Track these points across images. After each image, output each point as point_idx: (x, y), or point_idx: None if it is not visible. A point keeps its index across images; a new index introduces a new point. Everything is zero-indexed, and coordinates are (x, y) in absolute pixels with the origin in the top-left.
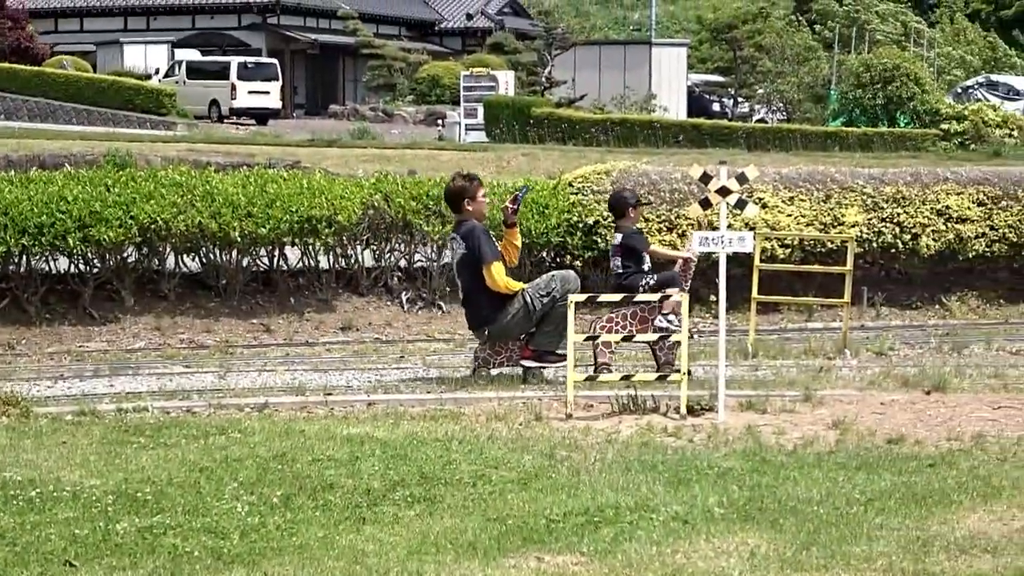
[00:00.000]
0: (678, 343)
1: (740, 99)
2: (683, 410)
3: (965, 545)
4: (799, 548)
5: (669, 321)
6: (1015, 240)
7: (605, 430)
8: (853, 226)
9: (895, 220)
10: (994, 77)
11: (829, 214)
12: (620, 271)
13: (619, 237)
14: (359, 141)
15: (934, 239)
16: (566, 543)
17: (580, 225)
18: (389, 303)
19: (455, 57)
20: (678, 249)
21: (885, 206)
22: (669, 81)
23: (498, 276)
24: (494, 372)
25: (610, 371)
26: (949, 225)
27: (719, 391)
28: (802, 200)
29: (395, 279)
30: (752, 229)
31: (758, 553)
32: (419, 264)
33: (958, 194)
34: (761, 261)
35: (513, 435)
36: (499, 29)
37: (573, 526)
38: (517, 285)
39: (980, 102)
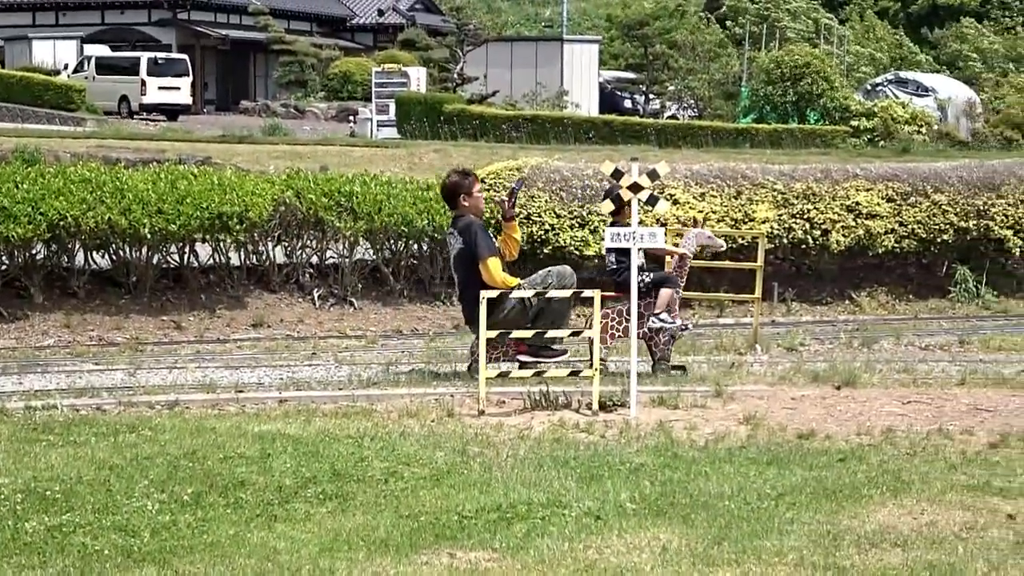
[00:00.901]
0: (673, 338)
1: (651, 96)
2: (595, 406)
3: (875, 539)
4: (711, 543)
5: (662, 320)
6: (924, 236)
7: (517, 426)
8: (764, 222)
9: (805, 216)
10: (903, 74)
11: (740, 210)
12: (615, 267)
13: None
14: (270, 137)
15: (844, 235)
16: (478, 539)
17: (492, 221)
18: (301, 300)
19: (367, 53)
20: (675, 246)
21: (795, 202)
22: (581, 78)
23: (495, 271)
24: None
25: (604, 366)
26: (859, 221)
27: (631, 387)
28: (713, 196)
29: (307, 276)
30: (663, 225)
31: (670, 548)
32: (331, 261)
33: (867, 190)
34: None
35: (425, 432)
36: (411, 25)
37: (485, 522)
38: (513, 280)
39: (889, 99)
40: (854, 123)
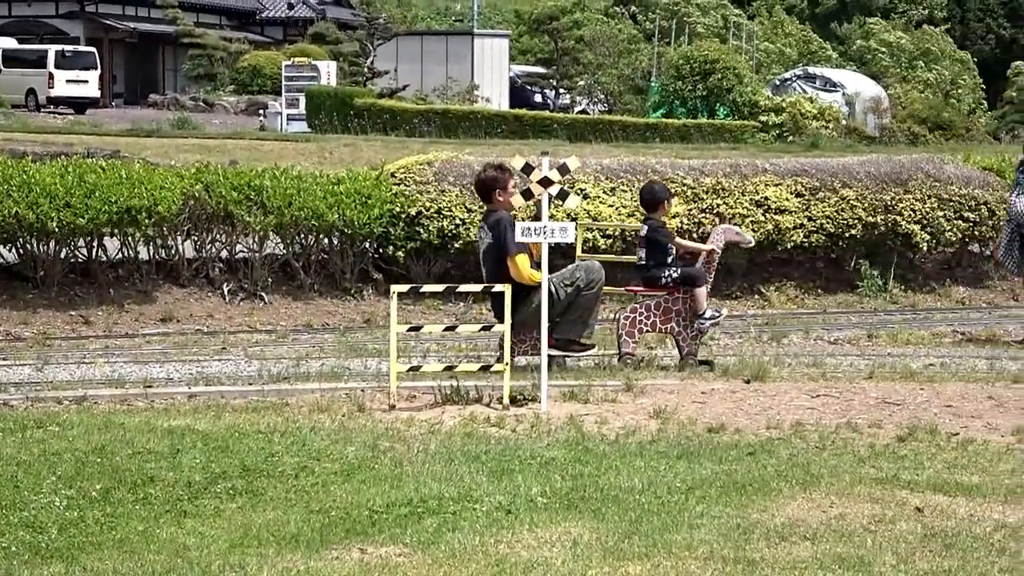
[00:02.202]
0: (701, 333)
1: (562, 90)
2: (506, 400)
3: (784, 532)
4: (621, 537)
5: (709, 318)
6: (832, 231)
7: (428, 421)
8: (674, 217)
9: (715, 211)
10: (811, 70)
11: None
12: (644, 262)
13: (645, 229)
14: (179, 131)
15: (753, 230)
16: (389, 534)
17: (403, 216)
18: (210, 294)
19: (277, 47)
20: (704, 242)
21: (705, 197)
22: (491, 72)
23: (523, 267)
24: (519, 360)
25: (633, 360)
26: (768, 216)
27: (542, 381)
28: (623, 191)
29: (216, 270)
30: (574, 219)
31: (581, 542)
32: (241, 255)
33: (776, 185)
34: (583, 251)
35: (336, 426)
36: (321, 19)
37: (396, 517)
38: (539, 276)
39: (798, 95)
40: (763, 118)
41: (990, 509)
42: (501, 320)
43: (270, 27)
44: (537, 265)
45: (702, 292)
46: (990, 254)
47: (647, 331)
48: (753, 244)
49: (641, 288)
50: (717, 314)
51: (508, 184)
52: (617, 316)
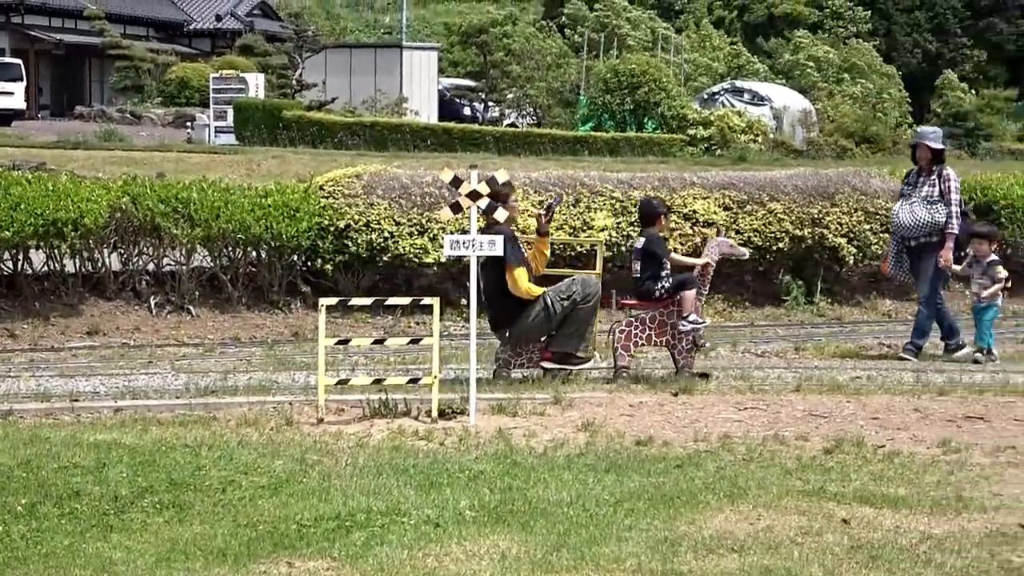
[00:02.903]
0: (695, 345)
1: (491, 103)
2: (434, 413)
3: (712, 545)
4: (549, 550)
5: (692, 322)
6: (760, 244)
7: (357, 434)
8: (602, 230)
9: (715, 225)
10: (739, 83)
11: (579, 218)
12: (639, 275)
13: (641, 241)
14: (106, 143)
15: (681, 243)
16: (317, 548)
17: (331, 228)
18: (137, 307)
19: (205, 59)
20: (697, 257)
21: (633, 210)
22: (420, 85)
23: (520, 281)
24: (515, 373)
25: (628, 373)
26: (696, 229)
27: (470, 394)
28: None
29: (143, 283)
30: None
31: (509, 555)
32: (168, 268)
33: (704, 199)
34: None
35: (264, 440)
36: (249, 31)
37: (324, 531)
38: (538, 290)
39: (726, 108)
40: (691, 132)
41: (916, 520)
42: (496, 331)
43: (198, 39)
44: (536, 279)
45: (690, 295)
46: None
47: (642, 344)
48: (747, 256)
49: (635, 302)
50: (700, 321)
51: (508, 198)
52: (612, 329)
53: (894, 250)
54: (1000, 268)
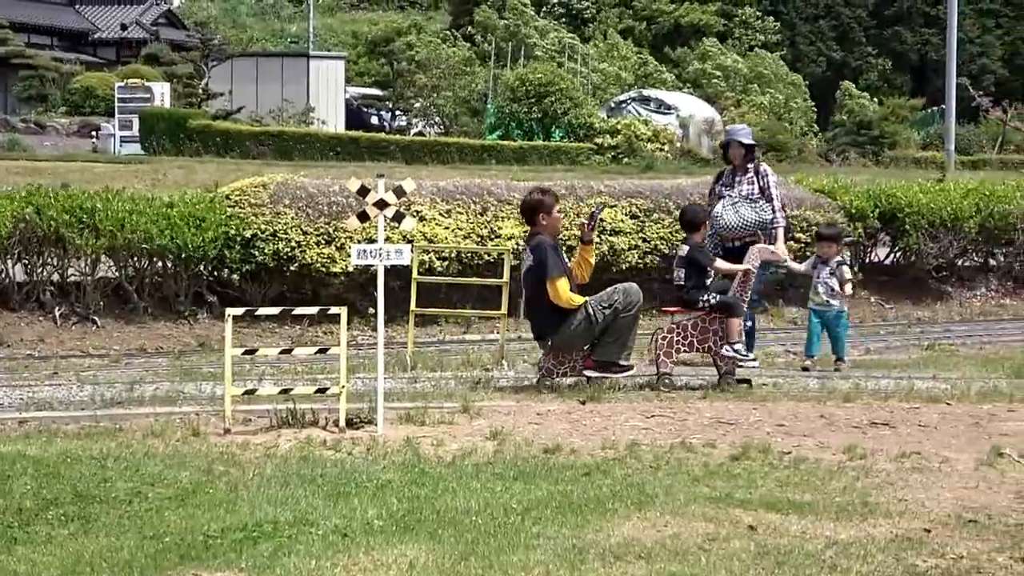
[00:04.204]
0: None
1: (398, 112)
2: (342, 423)
3: (620, 552)
4: (458, 559)
5: (736, 351)
6: (667, 252)
7: (264, 444)
8: (510, 239)
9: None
10: (646, 92)
11: (486, 227)
12: (682, 283)
13: (685, 250)
14: (10, 153)
15: None
16: (224, 559)
17: (238, 238)
18: (42, 318)
19: (110, 68)
20: (739, 263)
21: None
22: (327, 94)
23: (561, 291)
24: (559, 381)
25: (670, 380)
26: (603, 237)
27: (378, 404)
28: (460, 213)
29: (48, 294)
30: (410, 242)
31: (417, 565)
32: (73, 278)
33: (612, 207)
34: (419, 274)
35: (170, 451)
36: (155, 40)
37: (231, 542)
38: (579, 299)
39: (632, 117)
40: (598, 140)
41: (822, 526)
42: (540, 341)
43: (103, 48)
44: (578, 288)
45: (736, 323)
46: None
47: (684, 351)
48: (787, 262)
49: (677, 308)
50: (745, 355)
51: (553, 208)
52: (654, 336)
53: (713, 252)
54: (847, 269)
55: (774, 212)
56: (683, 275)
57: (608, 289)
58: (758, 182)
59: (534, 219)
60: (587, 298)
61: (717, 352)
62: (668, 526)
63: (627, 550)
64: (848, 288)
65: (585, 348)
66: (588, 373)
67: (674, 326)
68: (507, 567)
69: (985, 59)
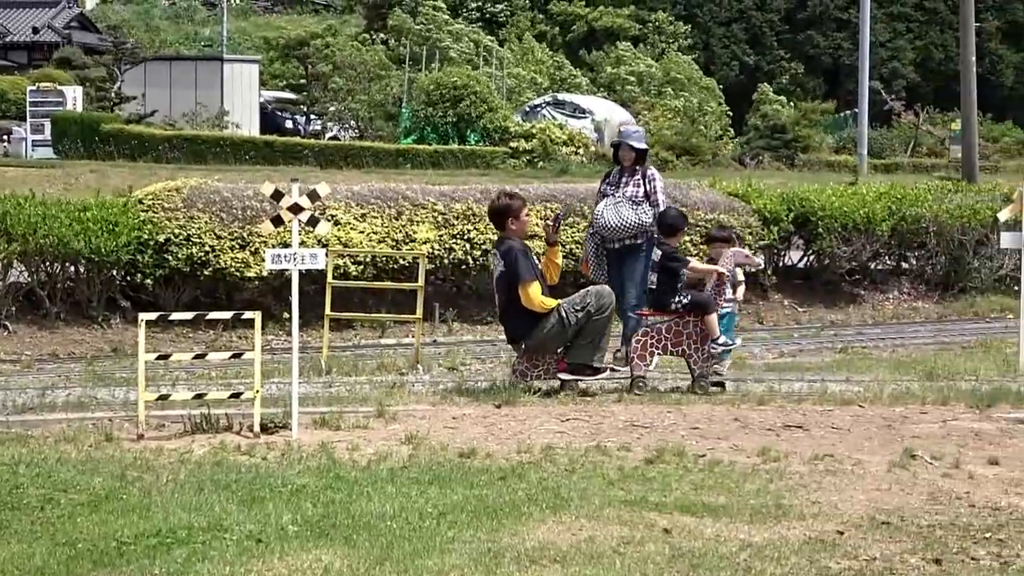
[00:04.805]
0: (712, 356)
1: (313, 116)
2: (256, 428)
3: (535, 556)
4: (373, 563)
5: (722, 344)
6: (580, 255)
7: (178, 450)
8: (425, 243)
9: (466, 237)
10: (561, 96)
11: (401, 231)
12: (655, 286)
13: (658, 255)
14: None
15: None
16: (138, 566)
17: (151, 243)
18: None
19: (21, 71)
20: (712, 263)
21: (456, 223)
22: (241, 98)
23: (533, 295)
24: (533, 384)
25: (644, 383)
26: None
27: (293, 408)
28: (374, 217)
29: None
30: (325, 246)
31: (332, 570)
32: None
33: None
34: (334, 278)
35: (83, 457)
36: (67, 43)
37: (145, 548)
38: (552, 303)
39: (547, 121)
40: (513, 144)
41: (736, 529)
42: (513, 344)
43: (14, 52)
44: (549, 292)
45: (713, 319)
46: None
47: (659, 354)
48: (763, 266)
49: (650, 312)
50: (731, 344)
51: (521, 212)
52: (629, 338)
53: (593, 251)
54: (739, 271)
55: (655, 217)
56: (655, 279)
57: (580, 292)
58: (644, 185)
59: (503, 223)
60: (559, 301)
61: (691, 355)
62: (583, 529)
63: (542, 554)
64: (741, 290)
65: (559, 351)
66: (562, 376)
67: (648, 329)
68: (422, 571)
69: (897, 63)
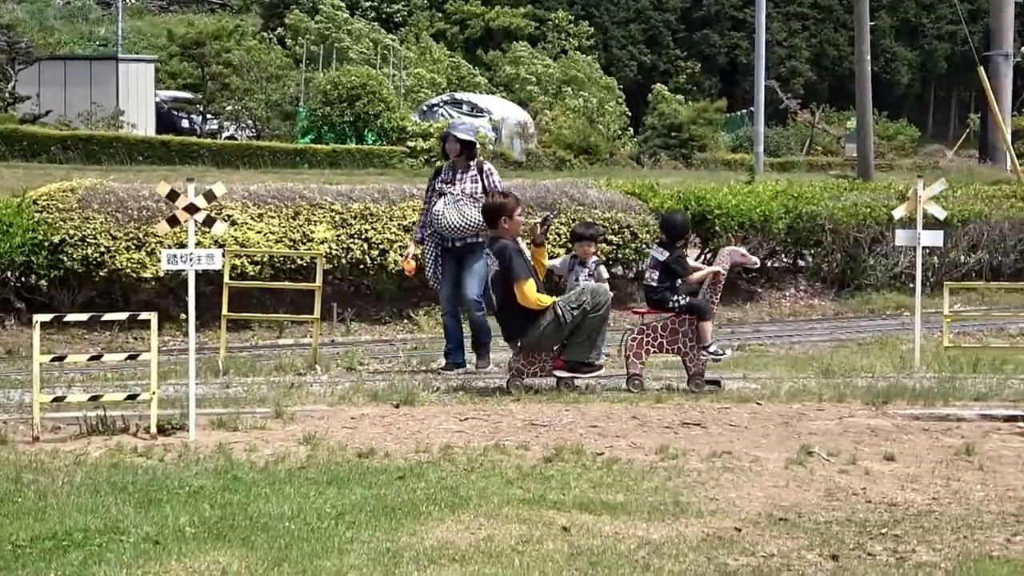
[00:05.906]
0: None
1: (209, 116)
2: (153, 430)
3: (434, 555)
4: (271, 565)
5: (712, 353)
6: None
7: (74, 452)
8: (322, 243)
9: (363, 236)
10: (458, 95)
11: (299, 231)
12: (654, 285)
13: (664, 255)
14: None
15: (401, 255)
16: (34, 569)
17: (46, 244)
18: None
19: None
20: (708, 265)
21: (353, 223)
22: (137, 97)
23: (529, 293)
24: (528, 382)
25: (640, 381)
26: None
27: (190, 410)
28: (272, 217)
29: None
30: (221, 246)
31: (230, 571)
32: None
33: None
34: (231, 278)
35: None
36: None
37: (40, 551)
38: (548, 300)
39: (445, 120)
40: (411, 144)
41: (634, 527)
42: (509, 342)
43: None
44: (545, 289)
45: (707, 326)
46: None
47: (654, 352)
48: (759, 264)
49: (646, 310)
50: (720, 353)
51: (514, 211)
52: (624, 337)
53: (432, 252)
54: (604, 269)
55: None
56: (656, 277)
57: (576, 289)
58: (482, 180)
59: (496, 222)
60: (556, 299)
61: (686, 353)
62: (482, 528)
63: (441, 553)
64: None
65: (555, 349)
66: (558, 373)
67: (644, 327)
68: (321, 572)
69: (794, 62)
